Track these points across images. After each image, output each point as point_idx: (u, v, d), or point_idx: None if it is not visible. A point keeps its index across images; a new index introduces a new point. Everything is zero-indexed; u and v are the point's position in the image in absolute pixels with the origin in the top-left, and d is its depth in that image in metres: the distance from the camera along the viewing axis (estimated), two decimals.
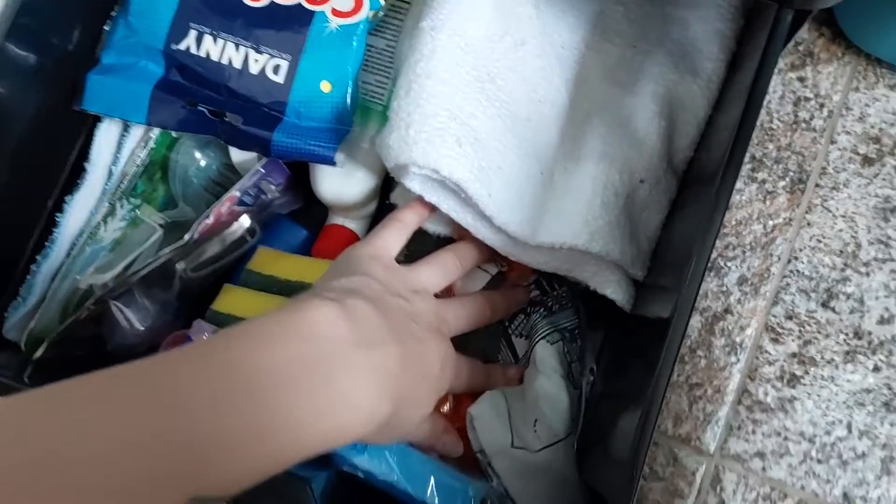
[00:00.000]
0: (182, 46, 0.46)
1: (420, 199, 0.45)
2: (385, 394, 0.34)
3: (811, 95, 0.60)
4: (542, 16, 0.48)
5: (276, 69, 0.45)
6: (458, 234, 0.52)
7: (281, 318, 0.33)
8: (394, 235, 0.45)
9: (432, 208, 0.46)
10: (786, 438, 0.55)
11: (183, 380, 0.29)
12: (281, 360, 0.31)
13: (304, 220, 0.57)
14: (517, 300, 0.50)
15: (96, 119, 0.50)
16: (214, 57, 0.46)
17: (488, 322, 0.47)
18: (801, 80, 0.60)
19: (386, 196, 0.55)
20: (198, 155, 0.50)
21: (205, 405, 0.28)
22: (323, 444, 0.31)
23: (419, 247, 0.55)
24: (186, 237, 0.47)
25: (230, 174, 0.52)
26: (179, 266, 0.50)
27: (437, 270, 0.46)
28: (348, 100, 0.45)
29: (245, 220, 0.52)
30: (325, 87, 0.45)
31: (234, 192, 0.49)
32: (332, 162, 0.45)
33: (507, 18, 0.46)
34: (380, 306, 0.37)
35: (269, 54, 0.45)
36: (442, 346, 0.41)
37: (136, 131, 0.49)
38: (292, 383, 0.30)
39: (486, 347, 0.50)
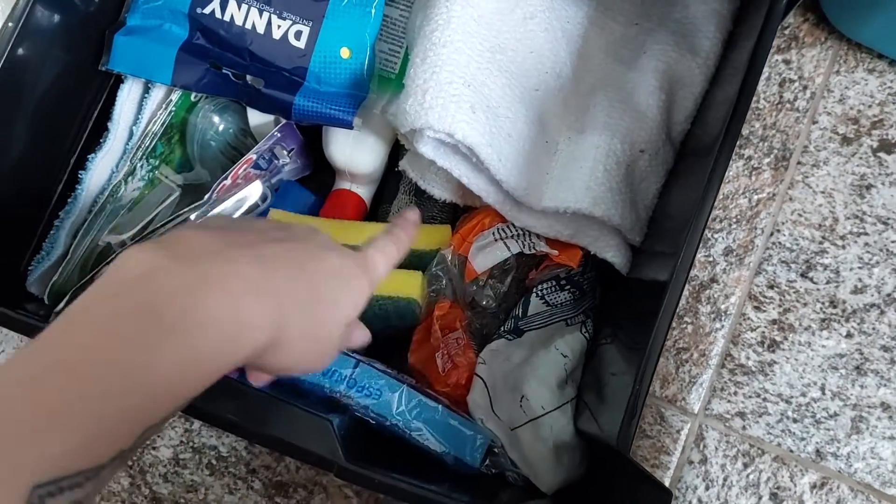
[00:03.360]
0: (207, 10, 0.47)
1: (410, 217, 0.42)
2: (241, 297, 0.29)
3: (795, 77, 0.63)
4: None
5: (297, 35, 0.47)
6: (463, 201, 0.54)
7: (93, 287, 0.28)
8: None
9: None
10: (765, 399, 0.59)
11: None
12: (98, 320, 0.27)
13: (311, 185, 0.59)
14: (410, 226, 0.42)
15: (118, 80, 0.51)
16: (238, 21, 0.47)
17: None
18: (787, 62, 0.63)
19: (394, 164, 0.57)
20: (216, 119, 0.52)
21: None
22: (202, 372, 0.28)
23: (427, 212, 0.57)
24: (207, 197, 0.49)
25: (246, 139, 0.54)
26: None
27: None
28: (366, 66, 0.47)
29: (258, 185, 0.54)
30: (345, 53, 0.47)
31: (251, 155, 0.50)
32: (350, 126, 0.47)
33: None
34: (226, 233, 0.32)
35: (292, 20, 0.47)
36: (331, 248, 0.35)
37: (157, 93, 0.51)
38: (114, 339, 0.26)
39: (495, 280, 0.51)
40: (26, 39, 0.45)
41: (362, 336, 0.41)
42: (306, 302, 0.32)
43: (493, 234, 0.49)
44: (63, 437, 0.24)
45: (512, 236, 0.49)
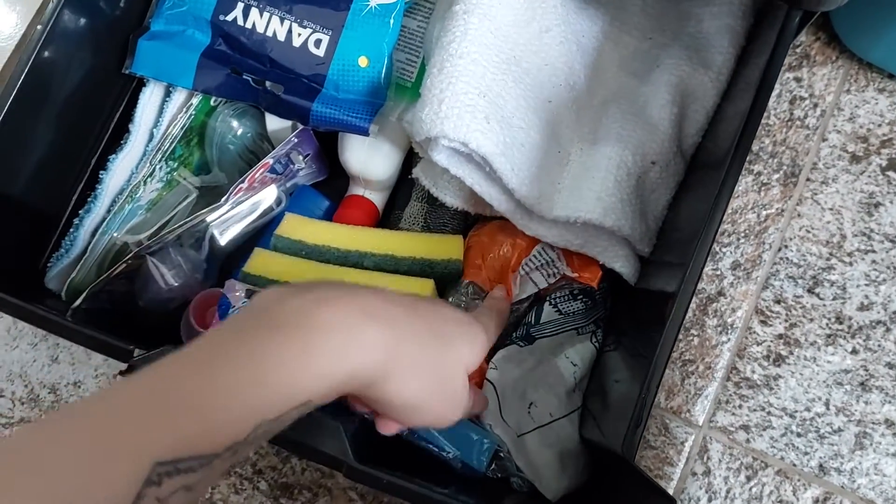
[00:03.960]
0: (229, 17, 0.49)
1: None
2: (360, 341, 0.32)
3: (806, 95, 0.64)
4: (566, 5, 0.51)
5: (317, 43, 0.48)
6: (475, 210, 0.55)
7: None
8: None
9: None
10: (769, 413, 0.59)
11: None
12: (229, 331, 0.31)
13: (325, 190, 0.60)
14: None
15: (140, 83, 0.52)
16: (260, 28, 0.48)
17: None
18: (798, 80, 0.64)
19: (407, 171, 0.58)
20: (235, 123, 0.53)
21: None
22: (292, 390, 0.30)
23: (436, 220, 0.58)
24: (224, 199, 0.50)
25: (262, 143, 0.55)
26: (211, 228, 0.53)
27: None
28: (383, 75, 0.48)
29: (273, 189, 0.55)
30: (363, 62, 0.48)
31: (268, 160, 0.51)
32: (366, 133, 0.48)
33: (533, 6, 0.50)
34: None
35: (312, 28, 0.48)
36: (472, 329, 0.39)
37: (178, 97, 0.52)
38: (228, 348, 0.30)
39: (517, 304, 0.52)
40: (53, 42, 0.47)
41: (483, 400, 0.44)
42: (423, 335, 0.35)
43: (522, 270, 0.50)
44: (187, 422, 0.27)
45: (536, 268, 0.50)
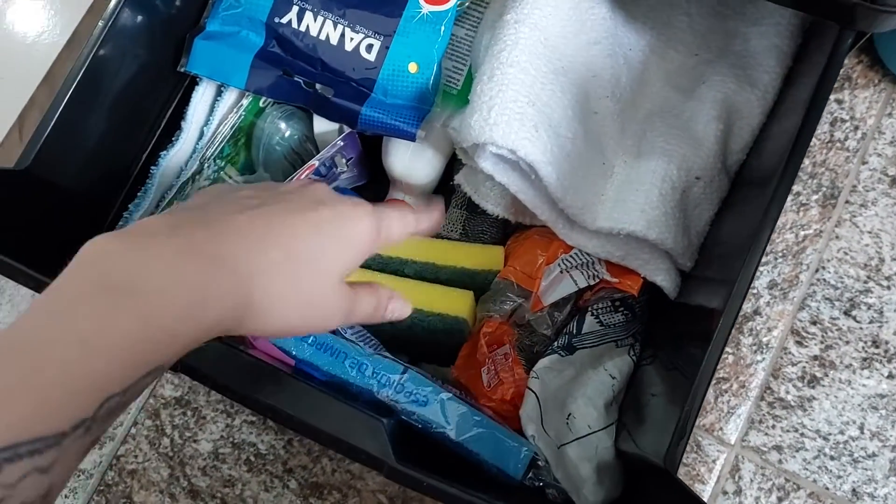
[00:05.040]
0: (284, 20, 0.49)
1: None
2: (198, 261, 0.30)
3: (847, 117, 0.64)
4: (614, 19, 0.51)
5: (368, 48, 0.48)
6: (515, 218, 0.55)
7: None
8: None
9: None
10: (802, 434, 0.59)
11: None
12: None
13: (365, 194, 0.61)
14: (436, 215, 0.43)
15: (193, 81, 0.53)
16: (313, 32, 0.49)
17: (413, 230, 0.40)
18: (839, 102, 0.64)
19: (446, 178, 0.58)
20: (283, 125, 0.54)
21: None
22: (185, 323, 0.29)
23: (475, 227, 0.58)
24: None
25: (308, 146, 0.55)
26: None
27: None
28: (431, 81, 0.49)
29: None
30: (413, 67, 0.48)
31: (314, 161, 0.52)
32: (413, 138, 0.49)
33: (583, 19, 0.50)
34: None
35: (364, 34, 0.48)
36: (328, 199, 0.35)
37: (229, 97, 0.53)
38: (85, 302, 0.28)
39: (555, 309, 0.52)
40: (112, 39, 0.48)
41: (399, 307, 0.40)
42: (286, 257, 0.32)
43: (560, 265, 0.50)
44: (19, 404, 0.25)
45: (576, 266, 0.50)
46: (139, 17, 0.49)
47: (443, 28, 0.49)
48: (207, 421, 0.63)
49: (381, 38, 0.49)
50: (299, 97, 0.50)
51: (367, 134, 0.52)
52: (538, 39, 0.48)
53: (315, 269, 0.34)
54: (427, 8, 0.48)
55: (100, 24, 0.46)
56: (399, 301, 0.40)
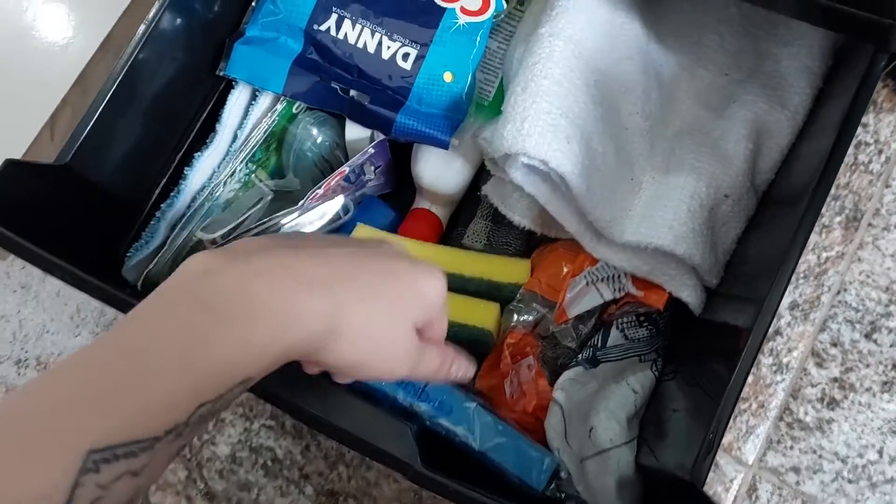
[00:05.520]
0: (322, 27, 0.50)
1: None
2: (298, 294, 0.31)
3: (871, 141, 0.64)
4: (647, 36, 0.52)
5: (405, 56, 0.49)
6: (541, 230, 0.56)
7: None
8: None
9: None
10: (821, 457, 0.59)
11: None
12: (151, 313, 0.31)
13: (390, 202, 0.61)
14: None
15: (228, 85, 0.54)
16: (351, 40, 0.50)
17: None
18: (864, 125, 0.64)
19: (472, 189, 0.59)
20: (315, 131, 0.54)
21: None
22: (242, 361, 0.30)
23: (499, 238, 0.59)
24: (301, 203, 0.51)
25: (338, 153, 0.56)
26: (282, 231, 0.54)
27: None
28: (466, 91, 0.49)
29: (340, 198, 0.56)
30: (448, 77, 0.49)
31: (345, 168, 0.52)
32: (446, 146, 0.49)
33: (616, 34, 0.51)
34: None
35: (401, 42, 0.49)
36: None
37: (264, 101, 0.53)
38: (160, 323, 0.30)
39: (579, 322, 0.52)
40: (153, 42, 0.49)
41: (464, 367, 0.42)
42: (368, 295, 0.34)
43: (586, 278, 0.50)
44: (120, 408, 0.27)
45: (602, 279, 0.50)
46: (179, 21, 0.50)
47: (478, 39, 0.50)
48: (226, 424, 0.63)
49: (418, 48, 0.49)
50: (335, 103, 0.51)
51: (401, 141, 0.52)
52: (572, 53, 0.49)
53: (393, 312, 0.36)
54: (464, 19, 0.49)
55: (141, 28, 0.47)
56: (464, 363, 0.42)
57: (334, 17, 0.50)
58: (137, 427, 0.27)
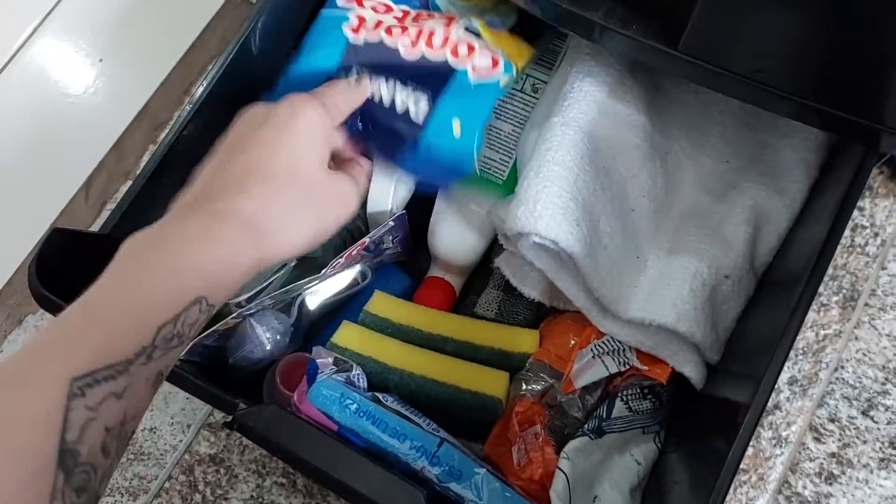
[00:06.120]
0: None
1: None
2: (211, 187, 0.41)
3: (867, 224, 0.67)
4: (653, 125, 0.56)
5: (416, 107, 0.52)
6: (550, 302, 0.58)
7: None
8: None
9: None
10: None
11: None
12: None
13: (404, 268, 0.65)
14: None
15: None
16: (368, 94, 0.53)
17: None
18: (860, 209, 0.67)
19: (485, 259, 0.62)
20: None
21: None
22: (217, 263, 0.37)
23: (510, 308, 0.61)
24: (323, 272, 0.54)
25: (359, 223, 0.59)
26: (301, 296, 0.57)
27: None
28: (474, 145, 0.52)
29: (358, 266, 0.59)
30: (456, 130, 0.52)
31: (366, 239, 0.56)
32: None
33: (625, 125, 0.54)
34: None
35: (414, 97, 0.52)
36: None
37: None
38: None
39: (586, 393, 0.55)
40: (196, 118, 0.52)
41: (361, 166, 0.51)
42: (264, 187, 0.40)
43: (592, 350, 0.53)
44: (91, 340, 0.32)
45: (608, 352, 0.52)
46: (223, 94, 0.54)
47: (488, 97, 0.53)
48: (239, 480, 0.65)
49: (429, 103, 0.52)
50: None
51: (410, 180, 0.56)
52: (582, 141, 0.52)
53: (294, 171, 0.42)
54: (474, 78, 0.52)
55: (187, 107, 0.51)
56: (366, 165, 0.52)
57: (355, 72, 0.53)
58: (111, 351, 0.32)
